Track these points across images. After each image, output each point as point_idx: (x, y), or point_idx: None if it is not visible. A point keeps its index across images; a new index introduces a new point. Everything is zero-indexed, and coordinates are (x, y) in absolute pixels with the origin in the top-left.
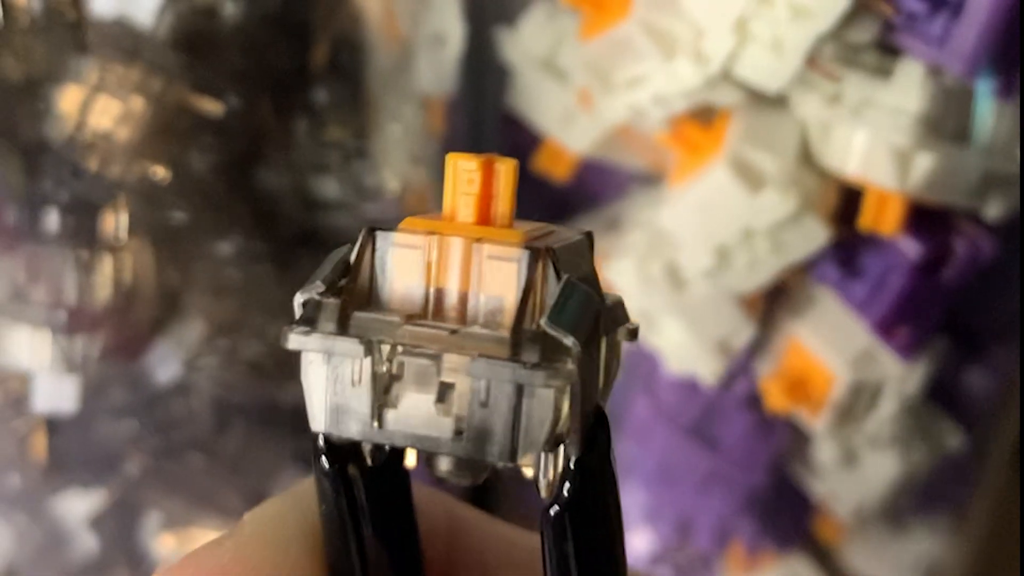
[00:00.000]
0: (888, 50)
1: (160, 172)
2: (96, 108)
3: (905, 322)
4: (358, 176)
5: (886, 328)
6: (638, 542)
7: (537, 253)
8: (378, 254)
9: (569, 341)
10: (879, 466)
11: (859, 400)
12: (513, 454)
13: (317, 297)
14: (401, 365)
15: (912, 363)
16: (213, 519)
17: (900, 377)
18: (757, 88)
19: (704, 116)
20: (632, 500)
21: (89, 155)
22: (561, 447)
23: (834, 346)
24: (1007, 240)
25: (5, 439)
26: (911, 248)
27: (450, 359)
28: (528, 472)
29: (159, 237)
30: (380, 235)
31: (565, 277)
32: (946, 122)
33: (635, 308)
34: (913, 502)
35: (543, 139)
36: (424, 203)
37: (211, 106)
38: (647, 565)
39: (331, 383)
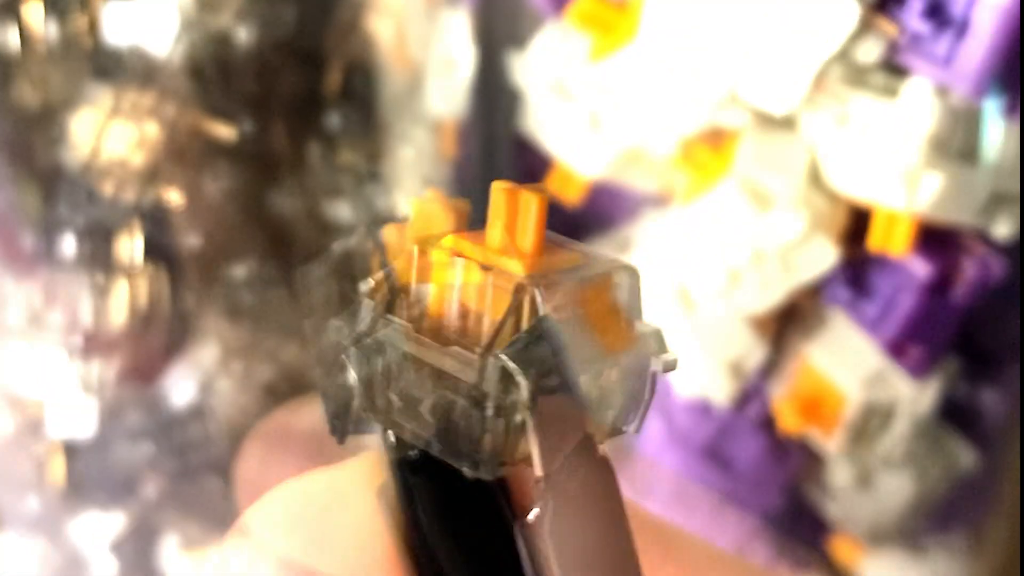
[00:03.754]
0: (895, 70)
1: (174, 197)
2: (111, 134)
3: (916, 342)
4: (371, 200)
5: (897, 348)
6: None
7: (522, 286)
8: (418, 266)
9: (520, 378)
10: (893, 486)
11: (872, 420)
12: (475, 467)
13: (364, 296)
14: (405, 369)
15: (924, 383)
16: None
17: (912, 397)
18: (765, 110)
19: (713, 138)
20: None
21: (104, 180)
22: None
23: (846, 366)
24: (1016, 259)
25: (24, 463)
26: (921, 268)
27: (437, 372)
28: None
29: (173, 261)
30: (421, 250)
31: (541, 313)
32: (953, 141)
33: None
34: (928, 522)
35: (554, 162)
36: None
37: (225, 131)
38: None
39: (362, 372)
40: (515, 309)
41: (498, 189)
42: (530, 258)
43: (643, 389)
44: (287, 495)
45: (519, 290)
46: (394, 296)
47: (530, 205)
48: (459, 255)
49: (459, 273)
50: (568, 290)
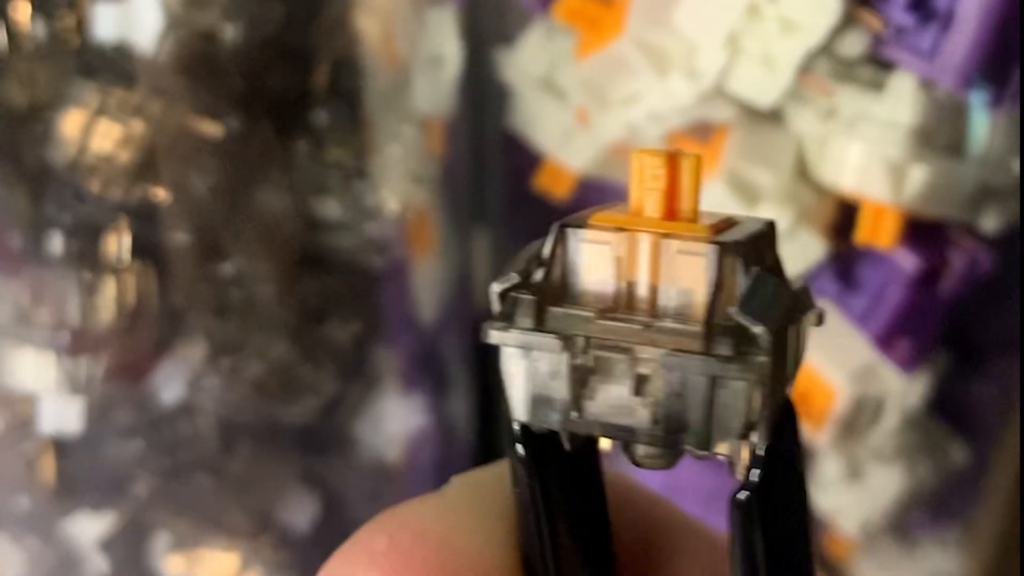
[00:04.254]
0: (882, 64)
1: (161, 194)
2: (97, 132)
3: (905, 335)
4: (358, 196)
5: (886, 341)
6: None
7: (725, 247)
8: (569, 249)
9: (759, 330)
10: (884, 480)
11: (862, 414)
12: (707, 443)
13: (515, 293)
14: (597, 358)
15: (913, 376)
16: (221, 539)
17: (902, 391)
18: (750, 103)
19: (701, 132)
20: None
21: (91, 178)
22: (751, 435)
23: (835, 360)
24: (1004, 253)
25: (14, 461)
26: (908, 261)
27: (644, 352)
28: (724, 455)
29: (161, 259)
30: (571, 231)
31: (755, 269)
32: (939, 134)
33: None
34: (920, 516)
35: (543, 158)
36: (425, 222)
37: (211, 128)
38: None
39: (530, 375)
40: (730, 270)
41: (649, 155)
42: (697, 222)
43: (803, 346)
44: (399, 521)
45: (724, 253)
46: (547, 286)
47: (692, 168)
48: (624, 229)
49: (624, 247)
50: (750, 248)
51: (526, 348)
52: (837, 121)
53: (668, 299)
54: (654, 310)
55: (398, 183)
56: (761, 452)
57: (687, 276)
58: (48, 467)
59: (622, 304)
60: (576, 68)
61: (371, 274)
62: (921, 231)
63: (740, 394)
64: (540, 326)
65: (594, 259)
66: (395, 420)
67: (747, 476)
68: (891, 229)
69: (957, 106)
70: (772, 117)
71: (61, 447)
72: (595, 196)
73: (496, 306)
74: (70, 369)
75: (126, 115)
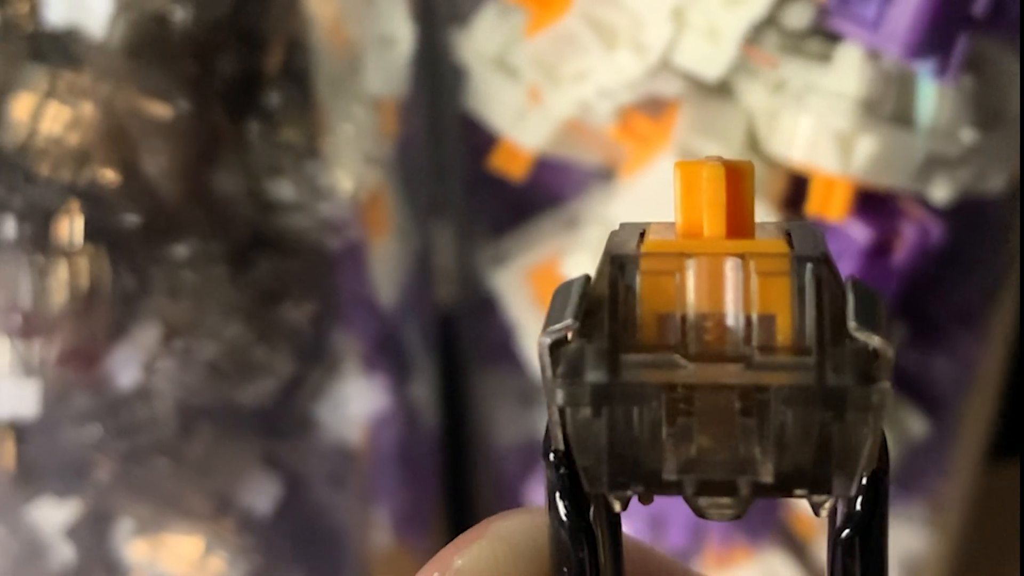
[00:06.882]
0: (829, 36)
1: (111, 176)
2: (48, 115)
3: None
4: (311, 177)
5: None
6: None
7: (810, 261)
8: (624, 284)
9: (883, 347)
10: None
11: None
12: (827, 487)
13: (577, 343)
14: (693, 408)
15: None
16: (183, 524)
17: None
18: (696, 76)
19: (652, 108)
20: None
21: (42, 161)
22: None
23: None
24: (955, 223)
25: None
26: (859, 233)
27: (750, 395)
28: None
29: (114, 241)
30: (626, 263)
31: (849, 279)
32: (887, 105)
33: None
34: None
35: (499, 138)
36: (381, 203)
37: (162, 110)
38: None
39: (608, 438)
40: (818, 286)
41: (706, 167)
42: (758, 237)
43: None
44: None
45: (813, 265)
46: (610, 330)
47: (750, 178)
48: (694, 254)
49: (689, 276)
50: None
51: (604, 407)
52: (786, 94)
53: (750, 328)
54: (738, 342)
55: (351, 163)
56: (867, 483)
57: (769, 299)
58: (7, 453)
59: (698, 340)
60: (527, 46)
61: (326, 255)
62: (871, 202)
63: (863, 427)
64: (618, 378)
65: (658, 292)
66: (356, 402)
67: (852, 509)
68: (842, 201)
69: (904, 76)
70: (722, 91)
71: (19, 432)
72: (553, 175)
73: (547, 360)
74: (22, 352)
75: (76, 98)
